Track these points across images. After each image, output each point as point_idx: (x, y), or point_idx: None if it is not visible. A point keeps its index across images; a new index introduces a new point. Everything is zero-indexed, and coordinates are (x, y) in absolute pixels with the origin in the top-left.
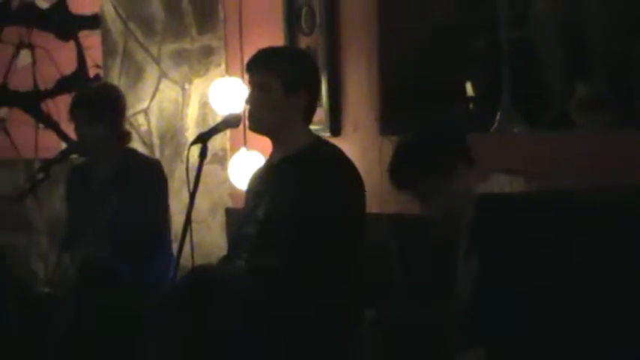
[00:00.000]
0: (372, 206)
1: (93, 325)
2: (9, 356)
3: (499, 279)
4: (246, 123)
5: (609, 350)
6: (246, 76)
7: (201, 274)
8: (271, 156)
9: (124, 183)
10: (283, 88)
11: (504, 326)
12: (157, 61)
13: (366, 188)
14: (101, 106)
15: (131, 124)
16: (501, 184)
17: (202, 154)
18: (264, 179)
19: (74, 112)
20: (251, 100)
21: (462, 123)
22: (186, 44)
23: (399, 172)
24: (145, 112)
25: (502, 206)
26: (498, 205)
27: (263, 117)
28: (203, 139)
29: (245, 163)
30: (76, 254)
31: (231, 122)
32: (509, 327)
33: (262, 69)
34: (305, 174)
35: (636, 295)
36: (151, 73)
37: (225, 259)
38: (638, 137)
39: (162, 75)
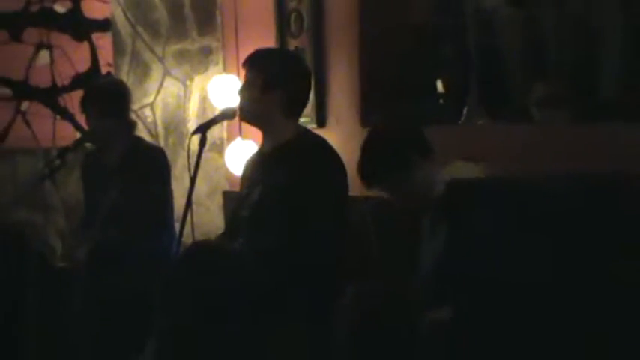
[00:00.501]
0: (352, 189)
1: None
2: (29, 326)
3: (464, 250)
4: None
5: (556, 307)
6: (242, 73)
7: (202, 247)
8: (262, 145)
9: (132, 167)
10: (262, 85)
11: (468, 287)
12: (162, 60)
13: (348, 173)
14: (109, 100)
15: (138, 116)
16: (460, 170)
17: (202, 143)
18: (257, 167)
19: (85, 105)
20: (239, 93)
21: (413, 119)
22: (187, 45)
23: (363, 175)
24: (151, 105)
25: (469, 189)
26: (466, 187)
27: (246, 108)
28: (202, 129)
29: (240, 152)
30: (86, 237)
31: (227, 115)
32: (473, 288)
33: (250, 67)
34: (293, 161)
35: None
36: (156, 70)
37: (222, 237)
38: (590, 131)
39: (166, 72)
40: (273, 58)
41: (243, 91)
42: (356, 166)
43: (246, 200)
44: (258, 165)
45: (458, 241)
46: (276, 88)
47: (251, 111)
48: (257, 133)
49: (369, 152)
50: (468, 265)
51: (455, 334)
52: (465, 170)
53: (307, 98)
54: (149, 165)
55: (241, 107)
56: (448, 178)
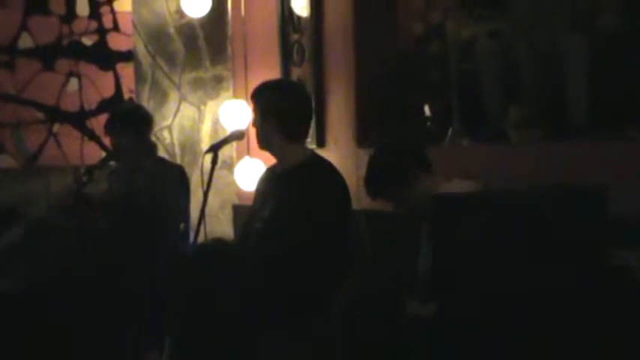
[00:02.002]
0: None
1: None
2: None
3: (449, 259)
4: (250, 138)
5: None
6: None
7: (215, 244)
8: (275, 166)
9: (159, 183)
10: (260, 114)
11: (452, 289)
12: (178, 87)
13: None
14: (130, 122)
15: (157, 138)
16: (457, 186)
17: (214, 161)
18: (270, 184)
19: (109, 127)
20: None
21: (415, 137)
22: (201, 74)
23: (368, 185)
24: (169, 128)
25: (452, 203)
26: (450, 202)
27: (258, 140)
28: (214, 148)
29: (248, 169)
30: None
31: (236, 136)
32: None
33: (252, 99)
34: (303, 184)
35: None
36: (173, 96)
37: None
38: (560, 150)
39: (182, 98)
40: (268, 90)
41: (252, 123)
42: (362, 179)
43: (258, 214)
44: (271, 182)
45: (439, 252)
46: (271, 116)
47: (258, 139)
48: (264, 153)
49: (375, 165)
50: (449, 274)
51: (435, 329)
52: (462, 187)
53: (306, 123)
54: (174, 181)
55: (256, 137)
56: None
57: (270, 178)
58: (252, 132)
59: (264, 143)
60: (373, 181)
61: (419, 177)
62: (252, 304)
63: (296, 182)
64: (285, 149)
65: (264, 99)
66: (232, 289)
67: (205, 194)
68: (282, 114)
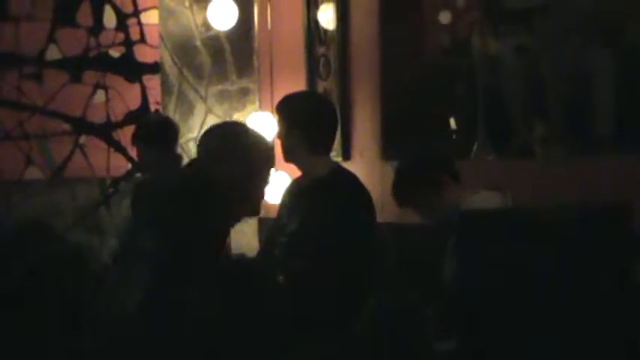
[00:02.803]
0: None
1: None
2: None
3: (474, 280)
4: (276, 150)
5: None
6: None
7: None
8: (300, 179)
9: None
10: (286, 127)
11: (474, 321)
12: (205, 99)
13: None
14: (156, 134)
15: (183, 150)
16: (485, 199)
17: None
18: (295, 197)
19: (136, 139)
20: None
21: (445, 148)
22: (227, 86)
23: (397, 191)
24: (195, 140)
25: (478, 220)
26: (476, 218)
27: (283, 152)
28: None
29: (275, 181)
30: None
31: None
32: (477, 322)
33: (277, 112)
34: (327, 197)
35: (584, 292)
36: (200, 108)
37: (258, 257)
38: (585, 166)
39: (209, 110)
40: (293, 102)
41: (278, 136)
42: (388, 192)
43: (285, 228)
44: (296, 196)
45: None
46: (296, 128)
47: (283, 151)
48: (289, 165)
49: (407, 170)
50: (473, 293)
51: None
52: (489, 198)
53: (331, 135)
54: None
55: (281, 150)
56: (472, 205)
57: (295, 191)
58: (278, 144)
59: (289, 155)
60: (404, 185)
61: (449, 185)
62: (276, 322)
63: (321, 196)
64: (309, 161)
65: (289, 110)
66: (255, 308)
67: None
68: (307, 125)
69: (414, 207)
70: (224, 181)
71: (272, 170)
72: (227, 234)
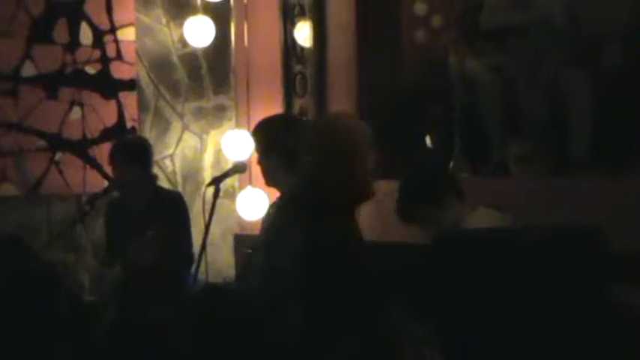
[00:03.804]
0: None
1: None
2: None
3: (453, 301)
4: (252, 168)
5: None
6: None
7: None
8: (278, 200)
9: (158, 213)
10: (263, 153)
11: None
12: (181, 116)
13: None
14: (134, 154)
15: (159, 166)
16: (482, 215)
17: (216, 194)
18: (274, 217)
19: (113, 157)
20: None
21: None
22: (204, 103)
23: (401, 207)
24: (171, 156)
25: (451, 242)
26: (448, 240)
27: (264, 177)
28: (217, 182)
29: (250, 199)
30: (124, 267)
31: (238, 169)
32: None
33: (253, 136)
34: (305, 211)
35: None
36: (176, 125)
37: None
38: (560, 184)
39: (185, 127)
40: (262, 129)
41: (257, 159)
42: (395, 203)
43: (263, 247)
44: (274, 216)
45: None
46: (270, 153)
47: (263, 175)
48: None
49: (409, 189)
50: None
51: None
52: (487, 216)
53: None
54: (172, 209)
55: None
56: (472, 222)
57: (274, 212)
58: (254, 162)
59: (270, 179)
60: (409, 198)
61: (451, 201)
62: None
63: (298, 213)
64: (290, 182)
65: (263, 135)
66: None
67: (207, 226)
68: (283, 150)
69: (417, 223)
70: (339, 174)
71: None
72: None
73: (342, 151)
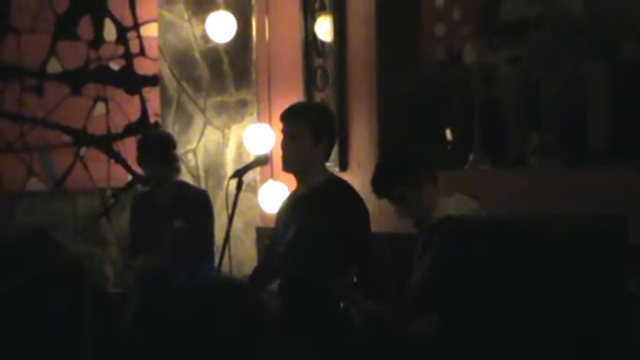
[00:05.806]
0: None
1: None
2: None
3: (458, 284)
4: (274, 161)
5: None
6: (275, 124)
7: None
8: (296, 189)
9: (183, 209)
10: (312, 138)
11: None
12: (203, 111)
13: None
14: (160, 149)
15: (182, 161)
16: (457, 201)
17: (238, 186)
18: (292, 208)
19: (140, 152)
20: (285, 147)
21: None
22: (226, 98)
23: (376, 183)
24: (194, 151)
25: (468, 227)
26: (465, 225)
27: (294, 161)
28: (239, 174)
29: (272, 192)
30: (146, 261)
31: (261, 161)
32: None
33: (295, 121)
34: (324, 207)
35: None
36: (198, 120)
37: (255, 273)
38: (579, 176)
39: (207, 122)
40: (312, 112)
41: (289, 145)
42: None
43: (282, 239)
44: (292, 206)
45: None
46: (323, 138)
47: (299, 163)
48: (287, 176)
49: (385, 164)
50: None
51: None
52: (461, 201)
53: (334, 142)
54: (199, 209)
55: (287, 160)
56: (446, 207)
57: (291, 203)
58: (276, 155)
59: (292, 163)
60: (383, 176)
61: (426, 181)
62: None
63: (317, 205)
64: (317, 171)
65: (316, 121)
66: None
67: (230, 219)
68: (333, 135)
69: (392, 200)
70: None
71: None
72: None
73: None
